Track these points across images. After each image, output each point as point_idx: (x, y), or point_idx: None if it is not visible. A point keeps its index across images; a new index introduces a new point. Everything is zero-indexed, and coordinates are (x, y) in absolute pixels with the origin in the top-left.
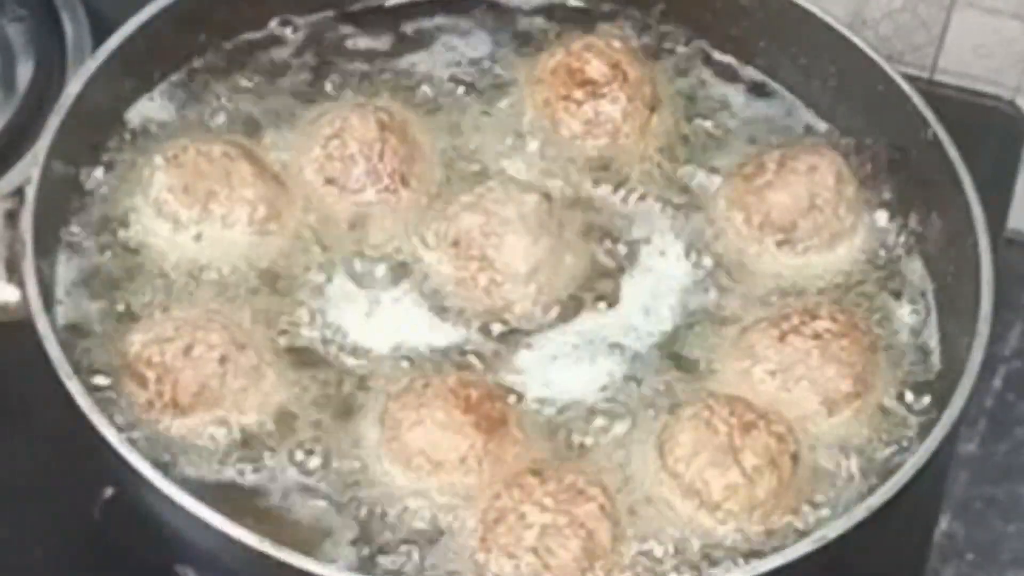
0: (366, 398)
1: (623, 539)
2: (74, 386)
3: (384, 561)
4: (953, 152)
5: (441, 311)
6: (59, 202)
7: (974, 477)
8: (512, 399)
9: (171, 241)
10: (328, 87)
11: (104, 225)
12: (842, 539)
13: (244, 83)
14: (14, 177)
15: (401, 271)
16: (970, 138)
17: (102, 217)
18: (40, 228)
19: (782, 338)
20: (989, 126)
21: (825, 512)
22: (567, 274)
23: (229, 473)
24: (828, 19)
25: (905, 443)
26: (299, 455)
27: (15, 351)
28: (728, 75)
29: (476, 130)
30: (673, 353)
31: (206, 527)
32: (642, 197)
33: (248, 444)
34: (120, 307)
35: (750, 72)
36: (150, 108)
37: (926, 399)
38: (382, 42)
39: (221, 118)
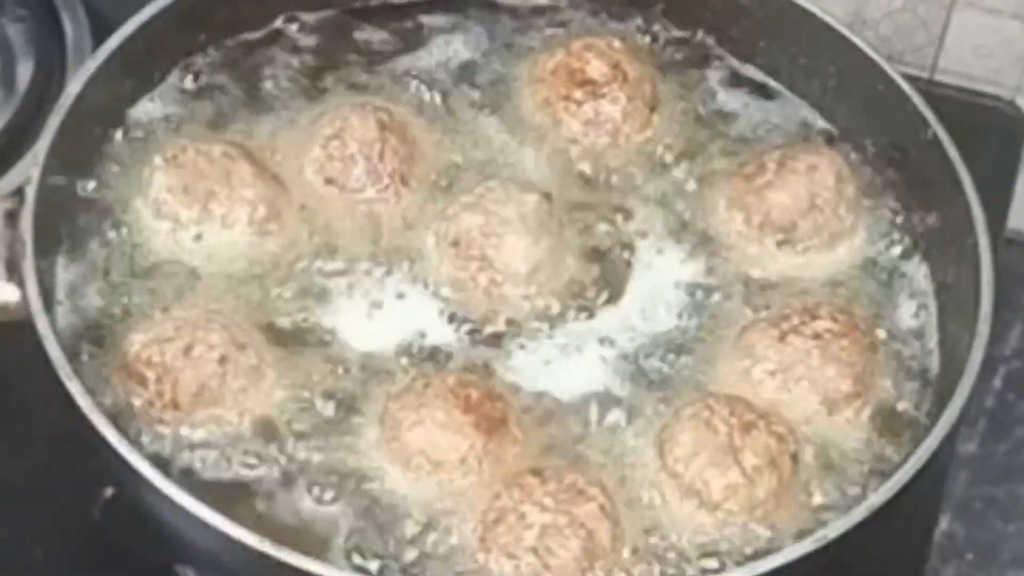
0: (366, 398)
1: (623, 539)
2: (74, 386)
3: (384, 561)
4: (953, 152)
5: (441, 311)
6: (59, 202)
7: (974, 477)
8: (512, 399)
9: (171, 241)
10: (328, 87)
11: (104, 225)
12: (842, 539)
13: (244, 83)
14: (14, 177)
15: (401, 271)
16: (970, 138)
17: (102, 217)
18: (40, 228)
19: (782, 338)
20: (989, 126)
21: (825, 512)
22: (567, 274)
23: (229, 473)
24: (828, 19)
25: (905, 443)
26: (299, 455)
27: (15, 351)
28: (728, 75)
29: (476, 130)
30: (673, 353)
31: (206, 527)
32: (642, 197)
33: (248, 444)
34: (120, 307)
35: (750, 72)
36: (150, 108)
37: (926, 399)
38: (382, 41)
39: (221, 118)
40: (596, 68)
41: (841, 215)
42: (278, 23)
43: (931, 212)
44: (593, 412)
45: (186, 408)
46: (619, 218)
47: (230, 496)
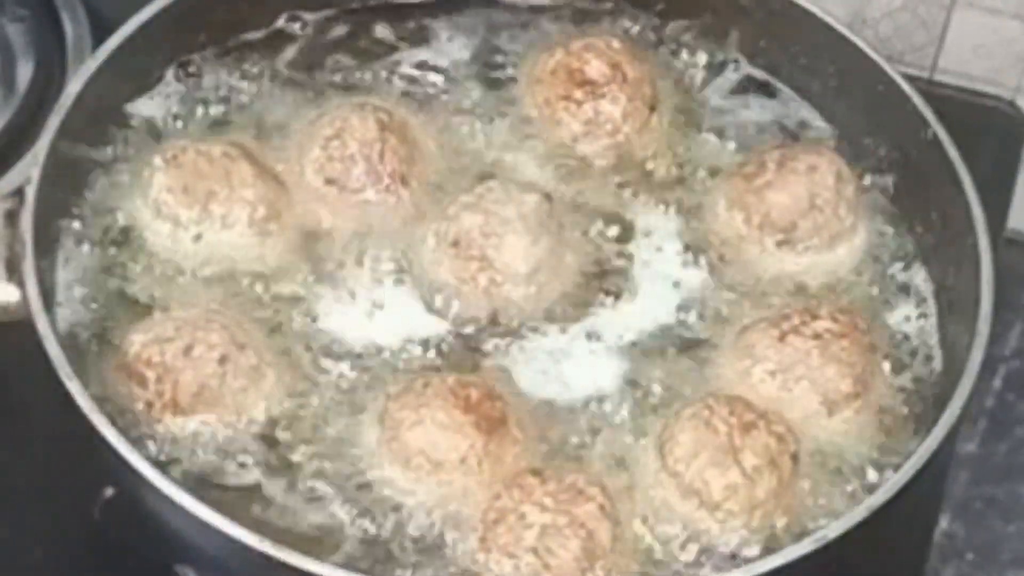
0: (366, 398)
1: (623, 539)
2: (74, 386)
3: (383, 561)
4: (953, 152)
5: (441, 311)
6: (59, 202)
7: (974, 477)
8: (512, 399)
9: (171, 241)
10: (328, 87)
11: (104, 225)
12: (842, 539)
13: (243, 83)
14: (14, 177)
15: (401, 271)
16: (970, 138)
17: (102, 217)
18: (40, 228)
19: (782, 338)
20: (989, 126)
21: (825, 512)
22: (567, 274)
23: (229, 473)
24: (828, 19)
25: (905, 443)
26: (299, 455)
27: (15, 351)
28: (728, 75)
29: (476, 130)
30: (672, 353)
31: (206, 527)
32: (642, 197)
33: (248, 444)
34: (120, 307)
35: (750, 72)
36: (150, 108)
37: (926, 399)
38: (382, 42)
39: (221, 118)
40: (596, 68)
41: (841, 215)
42: (278, 23)
43: (931, 212)
44: (593, 412)
45: (186, 408)
46: (619, 218)
47: (230, 496)
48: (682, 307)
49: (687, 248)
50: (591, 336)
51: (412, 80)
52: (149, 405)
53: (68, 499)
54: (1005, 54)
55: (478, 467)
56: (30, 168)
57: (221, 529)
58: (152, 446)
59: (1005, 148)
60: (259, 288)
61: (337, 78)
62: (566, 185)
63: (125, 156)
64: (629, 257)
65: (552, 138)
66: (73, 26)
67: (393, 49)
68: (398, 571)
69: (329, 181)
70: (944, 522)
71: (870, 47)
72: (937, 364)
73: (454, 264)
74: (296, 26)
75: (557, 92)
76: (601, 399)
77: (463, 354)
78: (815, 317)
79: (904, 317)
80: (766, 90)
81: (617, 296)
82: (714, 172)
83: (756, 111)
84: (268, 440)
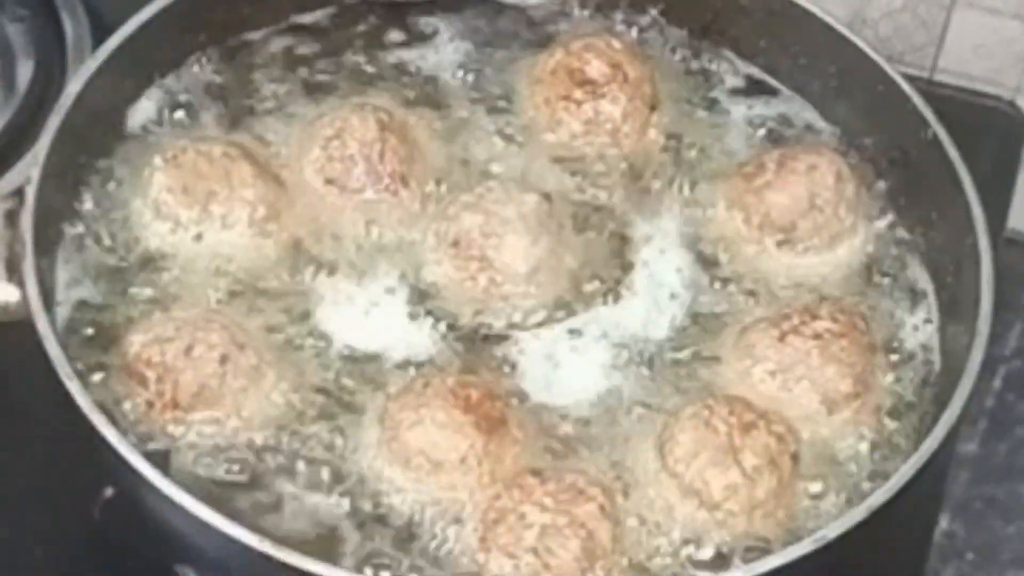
0: (366, 398)
1: (623, 539)
2: (74, 386)
3: (383, 561)
4: (953, 152)
5: (441, 311)
6: (59, 202)
7: (974, 477)
8: (512, 399)
9: (171, 241)
10: (328, 87)
11: (104, 225)
12: (842, 539)
13: (244, 83)
14: (14, 177)
15: (401, 271)
16: (970, 138)
17: (102, 217)
18: (40, 228)
19: (782, 338)
20: (989, 126)
21: (825, 512)
22: (567, 274)
23: (229, 473)
24: (828, 19)
25: (905, 443)
26: (299, 455)
27: (15, 351)
28: (728, 75)
29: (476, 130)
30: (672, 353)
31: (206, 527)
32: (642, 197)
33: (248, 444)
34: (120, 307)
35: (750, 72)
36: (150, 108)
37: (926, 399)
38: (382, 42)
39: (221, 118)
40: (596, 68)
41: (841, 215)
42: (278, 23)
43: (931, 212)
44: (593, 412)
45: (186, 408)
46: (619, 218)
47: (230, 496)
48: (682, 307)
49: (686, 248)
50: (591, 336)
51: (412, 80)
52: (149, 405)
53: (68, 499)
54: (1005, 54)
55: (478, 467)
56: (30, 168)
57: (221, 529)
58: (152, 446)
59: (1005, 148)
60: (259, 288)
61: (337, 78)
62: (566, 185)
63: (125, 156)
64: (628, 257)
65: (552, 138)
66: (73, 26)
67: (393, 49)
68: (397, 571)
69: (329, 181)
70: (944, 522)
71: (870, 47)
72: (937, 364)
73: (454, 264)
74: (296, 26)
75: (557, 92)
76: (601, 399)
77: (463, 354)
78: (815, 317)
79: (904, 317)
80: (766, 90)
81: (617, 296)
82: (714, 172)
83: (756, 111)
84: (268, 440)
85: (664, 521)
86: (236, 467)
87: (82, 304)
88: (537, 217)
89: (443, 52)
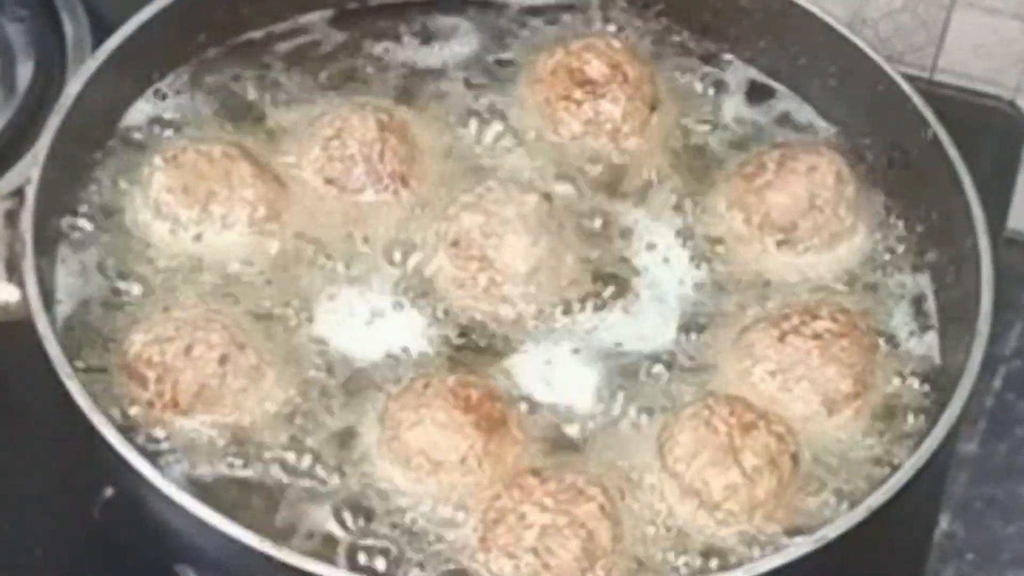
0: (366, 398)
1: (623, 539)
2: (74, 386)
3: (384, 561)
4: (953, 152)
5: (441, 311)
6: (59, 202)
7: (974, 477)
8: (512, 399)
9: (171, 241)
10: (328, 87)
11: (104, 225)
12: (842, 539)
13: (244, 83)
14: (14, 177)
15: (401, 271)
16: (970, 138)
17: (102, 217)
18: (40, 228)
19: (782, 338)
20: (989, 126)
21: (825, 512)
22: (567, 274)
23: (229, 473)
24: (828, 19)
25: (905, 443)
26: (299, 455)
27: (15, 351)
28: (728, 75)
29: (476, 130)
30: (672, 353)
31: (206, 527)
32: (642, 197)
33: (248, 444)
34: (120, 307)
35: (750, 72)
36: (150, 108)
37: (926, 399)
38: (382, 42)
39: (221, 118)
40: (596, 68)
41: (841, 215)
42: (278, 24)
43: (931, 212)
44: (593, 412)
45: (186, 408)
46: (619, 218)
47: (230, 496)
48: (681, 307)
49: (686, 247)
50: (591, 336)
51: (412, 80)
52: (149, 405)
53: (68, 499)
54: (1005, 54)
55: (478, 467)
56: (30, 168)
57: (221, 529)
58: (152, 446)
59: (1005, 148)
60: (259, 288)
61: (337, 79)
62: (566, 185)
63: (125, 156)
64: (629, 257)
65: (552, 138)
66: (73, 26)
67: (393, 49)
68: (398, 571)
69: (329, 181)
70: (944, 522)
71: (870, 47)
72: (937, 364)
73: (454, 264)
74: (296, 26)
75: (557, 92)
76: (601, 399)
77: (463, 354)
78: (815, 317)
79: (904, 317)
80: (766, 90)
81: (617, 296)
82: (714, 172)
83: (756, 111)
84: (268, 440)
85: (664, 521)
86: (236, 467)
87: (82, 304)
88: (537, 217)
89: (443, 52)
